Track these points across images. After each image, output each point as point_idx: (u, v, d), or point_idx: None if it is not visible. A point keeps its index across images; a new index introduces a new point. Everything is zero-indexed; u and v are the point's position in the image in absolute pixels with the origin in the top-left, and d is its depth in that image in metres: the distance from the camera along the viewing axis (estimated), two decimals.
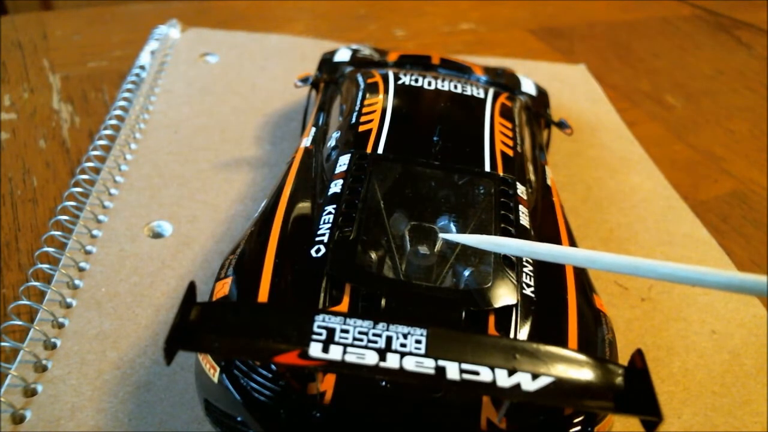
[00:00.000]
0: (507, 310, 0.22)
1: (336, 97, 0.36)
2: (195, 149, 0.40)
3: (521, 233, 0.26)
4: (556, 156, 0.43)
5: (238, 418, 0.21)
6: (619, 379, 0.18)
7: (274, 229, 0.25)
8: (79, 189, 0.35)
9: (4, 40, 0.52)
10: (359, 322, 0.18)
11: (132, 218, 0.34)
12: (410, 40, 0.61)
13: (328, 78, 0.39)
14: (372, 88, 0.33)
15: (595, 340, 0.23)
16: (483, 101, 0.33)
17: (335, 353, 0.17)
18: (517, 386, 0.17)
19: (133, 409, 0.25)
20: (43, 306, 0.28)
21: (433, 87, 0.34)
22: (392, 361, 0.17)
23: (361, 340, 0.18)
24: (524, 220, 0.27)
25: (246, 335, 0.18)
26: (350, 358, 0.17)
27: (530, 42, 0.64)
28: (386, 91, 0.33)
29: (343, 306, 0.22)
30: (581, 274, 0.26)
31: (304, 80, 0.39)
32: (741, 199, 0.44)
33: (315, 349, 0.17)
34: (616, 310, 0.32)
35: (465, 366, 0.17)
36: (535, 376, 0.17)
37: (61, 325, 0.28)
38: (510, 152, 0.30)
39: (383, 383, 0.20)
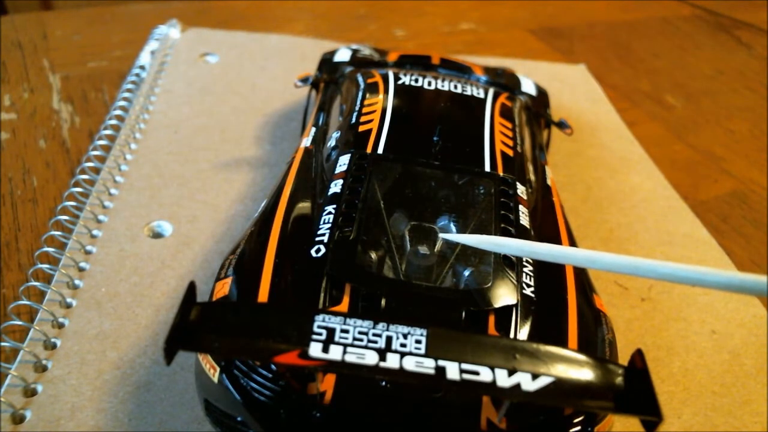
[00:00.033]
0: (507, 310, 0.22)
1: (336, 97, 0.36)
2: (195, 149, 0.40)
3: (521, 233, 0.26)
4: (556, 156, 0.43)
5: (238, 418, 0.21)
6: (619, 379, 0.18)
7: (274, 229, 0.25)
8: (79, 189, 0.35)
9: (4, 40, 0.52)
10: (359, 322, 0.18)
11: (132, 218, 0.34)
12: (410, 40, 0.61)
13: (328, 78, 0.39)
14: (372, 88, 0.33)
15: (595, 340, 0.23)
16: (483, 101, 0.33)
17: (335, 353, 0.17)
18: (517, 386, 0.17)
19: (133, 409, 0.25)
20: (43, 306, 0.28)
21: (433, 87, 0.34)
22: (392, 361, 0.17)
23: (361, 340, 0.18)
24: (524, 220, 0.27)
25: (246, 335, 0.18)
26: (350, 358, 0.17)
27: (530, 42, 0.64)
28: (386, 91, 0.33)
29: (343, 306, 0.22)
30: (581, 274, 0.26)
31: (304, 80, 0.39)
32: (741, 199, 0.44)
33: (315, 349, 0.17)
34: (616, 310, 0.32)
35: (465, 366, 0.17)
36: (535, 376, 0.17)
37: (61, 325, 0.28)
38: (510, 152, 0.30)
39: (383, 383, 0.20)
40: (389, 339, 0.18)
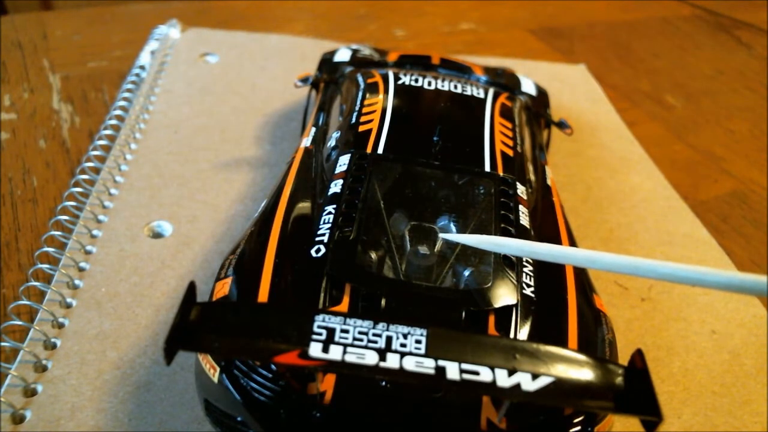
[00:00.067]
0: (507, 310, 0.22)
1: (336, 97, 0.36)
2: (195, 149, 0.40)
3: (521, 233, 0.26)
4: (556, 156, 0.43)
5: (238, 418, 0.21)
6: (619, 379, 0.18)
7: (274, 229, 0.25)
8: (79, 189, 0.35)
9: (4, 40, 0.52)
10: (359, 322, 0.18)
11: (132, 218, 0.34)
12: (410, 40, 0.61)
13: (328, 78, 0.39)
14: (372, 88, 0.33)
15: (595, 340, 0.23)
16: (483, 101, 0.33)
17: (335, 353, 0.17)
18: (517, 386, 0.17)
19: (133, 409, 0.25)
20: (43, 306, 0.28)
21: (433, 87, 0.34)
22: (392, 361, 0.17)
23: (361, 340, 0.18)
24: (524, 220, 0.27)
25: (246, 335, 0.18)
26: (350, 358, 0.17)
27: (530, 42, 0.64)
28: (386, 91, 0.33)
29: (343, 306, 0.22)
30: (581, 274, 0.26)
31: (304, 80, 0.39)
32: (741, 199, 0.44)
33: (315, 349, 0.17)
34: (616, 310, 0.32)
35: (465, 366, 0.17)
36: (535, 376, 0.17)
37: (61, 325, 0.28)
38: (510, 152, 0.30)
39: (383, 383, 0.20)
40: (389, 339, 0.18)
